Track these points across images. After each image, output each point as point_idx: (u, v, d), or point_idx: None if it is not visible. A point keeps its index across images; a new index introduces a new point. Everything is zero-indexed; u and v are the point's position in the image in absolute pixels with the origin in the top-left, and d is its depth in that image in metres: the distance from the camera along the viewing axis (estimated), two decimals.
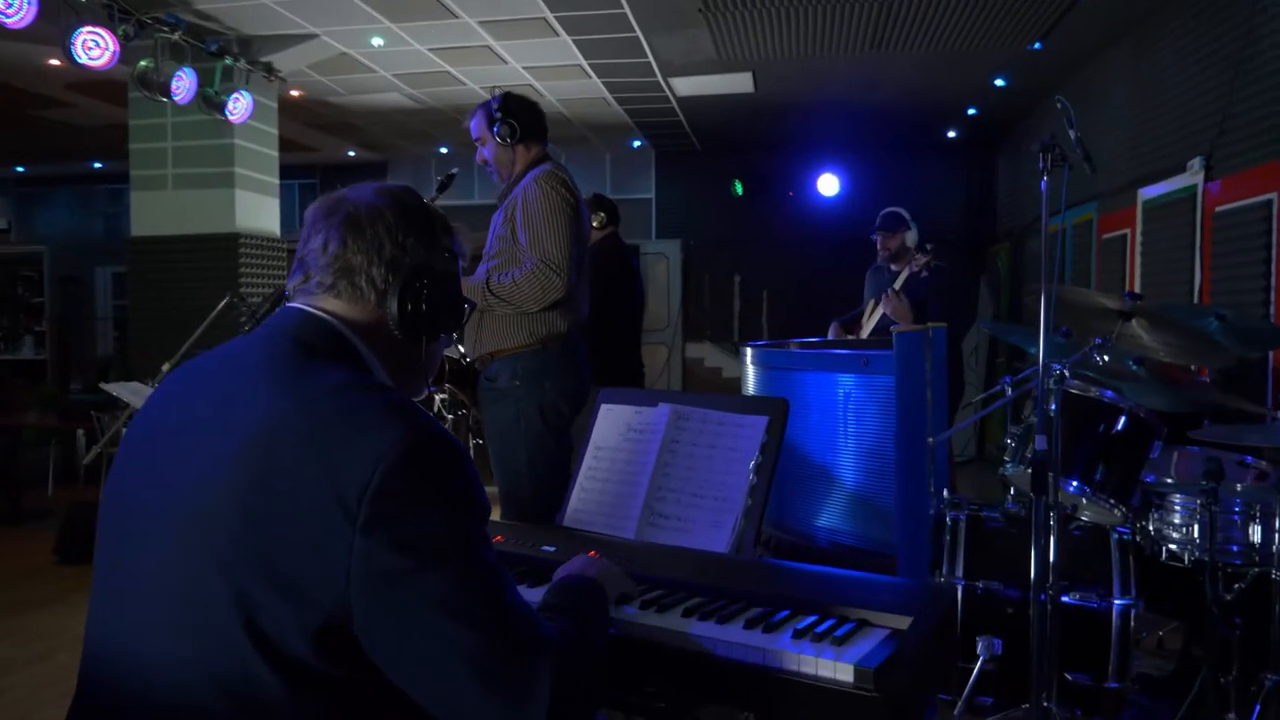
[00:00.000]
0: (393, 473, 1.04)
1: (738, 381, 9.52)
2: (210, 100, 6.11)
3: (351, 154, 10.38)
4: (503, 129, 3.02)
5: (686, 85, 7.34)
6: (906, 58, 6.61)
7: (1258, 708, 2.18)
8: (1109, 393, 2.58)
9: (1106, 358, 2.38)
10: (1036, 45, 6.26)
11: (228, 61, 6.18)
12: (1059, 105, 2.46)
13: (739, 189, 9.95)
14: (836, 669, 1.22)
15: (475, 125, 3.12)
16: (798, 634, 1.32)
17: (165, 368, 3.97)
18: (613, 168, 10.70)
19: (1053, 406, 2.22)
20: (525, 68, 6.85)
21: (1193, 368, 3.11)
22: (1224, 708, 2.56)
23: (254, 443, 1.09)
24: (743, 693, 1.29)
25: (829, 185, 10.06)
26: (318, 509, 1.04)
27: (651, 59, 6.63)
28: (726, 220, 10.19)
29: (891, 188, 9.92)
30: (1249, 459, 2.90)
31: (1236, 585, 2.47)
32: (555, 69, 6.91)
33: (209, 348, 1.36)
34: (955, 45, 6.28)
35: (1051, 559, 2.25)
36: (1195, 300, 4.77)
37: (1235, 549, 2.38)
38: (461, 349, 3.77)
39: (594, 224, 4.45)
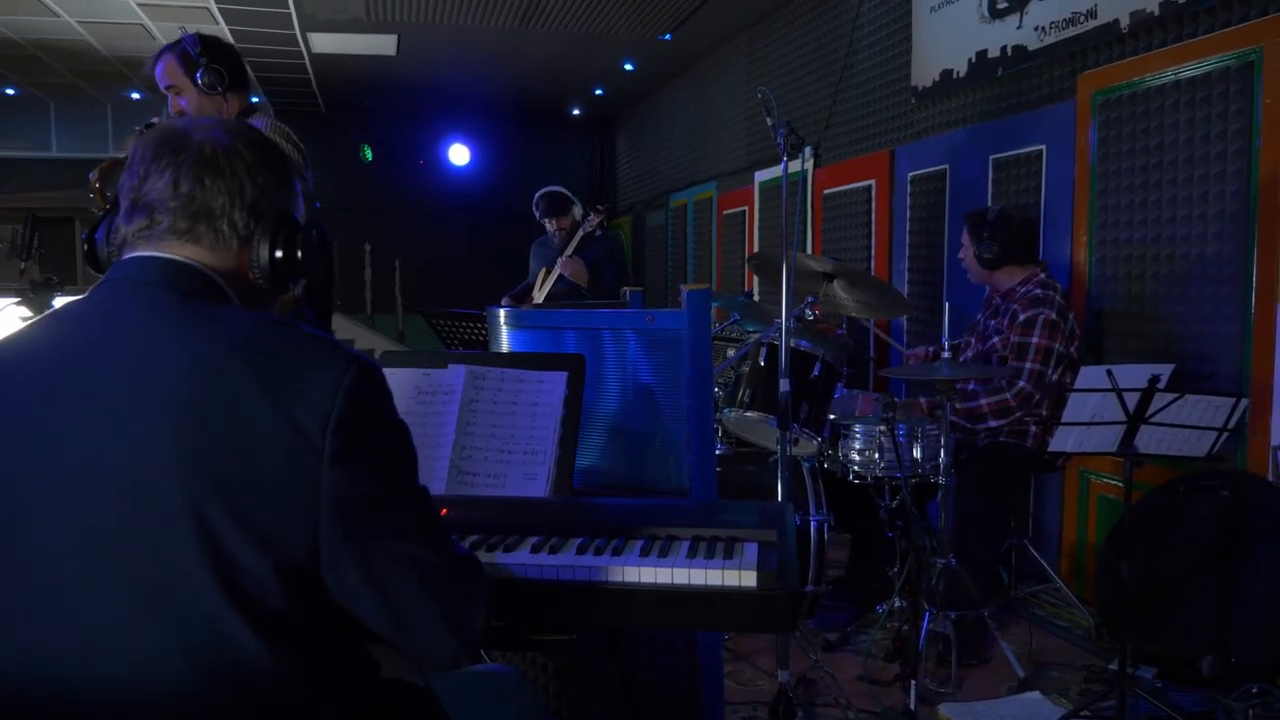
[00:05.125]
0: (350, 401, 1.05)
1: (371, 354, 9.26)
2: None
3: None
4: (209, 76, 2.75)
5: (326, 42, 6.98)
6: (549, 35, 6.88)
7: (933, 581, 2.76)
8: (804, 342, 3.04)
9: (817, 313, 2.81)
10: (667, 36, 6.87)
11: None
12: (760, 95, 2.80)
13: (369, 155, 9.65)
14: (741, 577, 1.40)
15: (164, 71, 2.80)
16: (691, 553, 1.47)
17: None
18: None
19: (775, 357, 2.58)
20: (138, 3, 6.06)
21: (842, 328, 3.73)
22: (889, 594, 3.17)
23: (190, 395, 1.03)
24: (658, 613, 1.43)
25: (460, 155, 10.13)
26: (278, 448, 1.02)
27: (293, 10, 6.21)
28: (354, 187, 9.81)
29: (518, 161, 10.25)
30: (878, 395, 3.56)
31: (897, 498, 3.06)
32: (174, 9, 6.20)
33: None
34: (597, 29, 6.67)
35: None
36: None
37: (907, 464, 2.95)
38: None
39: None
